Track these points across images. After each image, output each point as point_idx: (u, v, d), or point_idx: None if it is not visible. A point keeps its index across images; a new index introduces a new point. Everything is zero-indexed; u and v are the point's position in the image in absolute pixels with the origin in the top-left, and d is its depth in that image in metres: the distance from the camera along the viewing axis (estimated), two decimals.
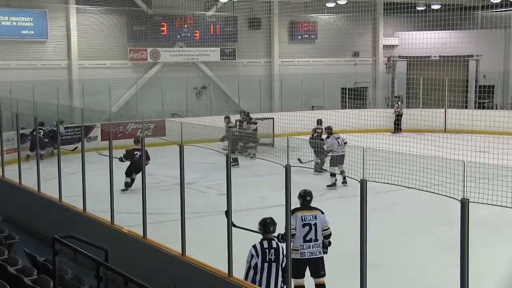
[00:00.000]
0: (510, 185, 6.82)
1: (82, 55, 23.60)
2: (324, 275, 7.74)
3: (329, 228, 7.77)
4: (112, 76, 23.72)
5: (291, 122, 20.37)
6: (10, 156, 15.30)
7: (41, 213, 11.88)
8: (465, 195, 5.10)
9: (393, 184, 6.12)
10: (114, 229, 9.31)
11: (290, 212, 6.48)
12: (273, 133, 21.70)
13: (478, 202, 5.43)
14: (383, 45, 29.88)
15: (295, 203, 7.58)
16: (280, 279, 6.74)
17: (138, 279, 4.87)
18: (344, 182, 14.83)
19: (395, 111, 25.41)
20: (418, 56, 26.75)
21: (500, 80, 27.08)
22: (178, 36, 25.37)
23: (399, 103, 25.52)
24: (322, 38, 28.43)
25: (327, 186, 14.84)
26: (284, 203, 6.49)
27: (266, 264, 6.70)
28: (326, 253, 7.80)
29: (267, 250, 6.73)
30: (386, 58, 29.12)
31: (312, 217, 7.64)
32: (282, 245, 6.80)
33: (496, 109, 26.06)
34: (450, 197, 5.28)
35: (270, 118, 22.76)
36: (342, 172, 14.61)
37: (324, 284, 7.77)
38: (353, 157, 6.87)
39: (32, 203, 12.15)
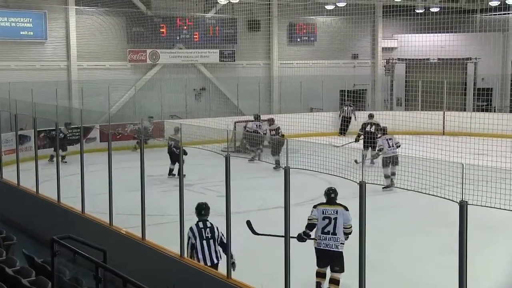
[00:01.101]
0: (508, 187, 6.84)
1: (81, 56, 23.59)
2: (339, 271, 8.03)
3: (351, 226, 7.95)
4: (111, 78, 23.70)
5: (290, 124, 20.37)
6: (8, 157, 15.28)
7: (40, 214, 11.87)
8: (463, 198, 5.11)
9: (393, 187, 6.11)
10: (112, 231, 9.31)
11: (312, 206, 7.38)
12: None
13: (476, 205, 5.44)
14: (382, 48, 29.88)
15: (294, 204, 7.58)
16: (218, 251, 7.68)
17: (137, 281, 4.87)
18: (388, 186, 14.42)
19: (342, 115, 25.29)
20: (417, 59, 26.75)
21: (498, 83, 27.06)
22: (178, 38, 25.37)
23: (349, 107, 25.39)
24: (321, 40, 28.44)
25: (383, 188, 14.26)
26: (283, 205, 6.50)
27: (204, 242, 7.64)
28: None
29: (203, 230, 7.66)
30: (385, 61, 29.13)
31: (334, 211, 8.07)
32: (216, 225, 7.71)
33: (494, 111, 26.03)
34: (449, 199, 5.29)
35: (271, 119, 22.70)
36: (392, 174, 14.64)
37: (337, 280, 8.05)
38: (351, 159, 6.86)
39: (31, 204, 12.14)
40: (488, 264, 9.26)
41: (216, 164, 8.63)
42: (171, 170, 16.57)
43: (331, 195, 8.25)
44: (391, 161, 14.82)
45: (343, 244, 8.03)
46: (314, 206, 8.20)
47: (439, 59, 26.63)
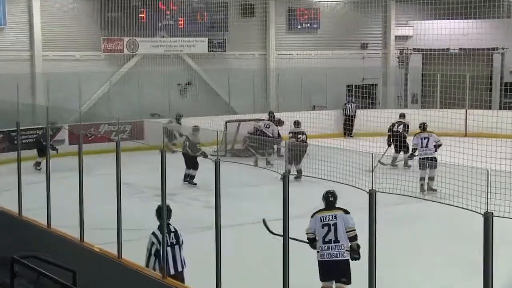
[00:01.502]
0: None
1: (47, 45, 23.54)
2: (346, 282, 8.18)
3: (353, 229, 8.16)
4: (83, 70, 23.66)
5: (289, 124, 20.41)
6: None
7: None
8: (488, 208, 5.11)
9: (407, 196, 6.14)
10: (83, 248, 9.28)
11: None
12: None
13: (503, 217, 5.46)
14: (395, 36, 29.96)
15: (294, 216, 7.59)
16: (183, 258, 8.04)
17: None
18: (425, 189, 14.83)
19: (345, 113, 25.54)
20: (435, 49, 26.83)
21: None
22: (160, 25, 25.36)
23: (352, 104, 25.59)
24: (325, 27, 28.47)
25: (420, 191, 14.74)
26: (282, 217, 6.50)
27: (169, 248, 7.88)
28: (357, 259, 8.08)
29: (167, 235, 7.85)
30: (398, 51, 29.17)
31: (332, 217, 8.25)
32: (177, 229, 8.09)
33: None
34: (472, 210, 5.30)
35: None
36: (429, 179, 14.88)
37: None
38: (362, 165, 6.85)
39: None
40: None
41: (204, 169, 8.63)
42: (186, 176, 16.60)
43: (329, 199, 8.45)
44: (427, 163, 15.03)
45: (349, 251, 8.19)
46: (312, 215, 8.38)
47: (460, 49, 26.69)
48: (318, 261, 8.36)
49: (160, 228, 7.90)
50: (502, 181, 7.75)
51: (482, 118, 21.53)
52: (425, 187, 15.01)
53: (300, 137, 18.11)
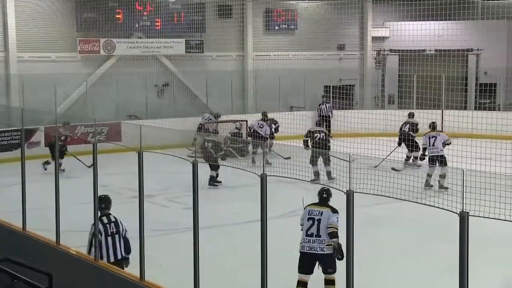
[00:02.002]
0: None
1: (21, 46, 23.33)
2: (332, 272, 8.67)
3: (333, 227, 8.47)
4: (58, 71, 23.46)
5: (285, 125, 20.53)
6: None
7: None
8: (464, 208, 5.15)
9: (384, 196, 6.17)
10: (60, 251, 9.21)
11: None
12: (247, 137, 21.72)
13: (479, 216, 5.50)
14: (372, 37, 30.11)
15: (272, 217, 7.59)
16: (122, 247, 8.54)
17: None
18: (431, 185, 15.35)
19: (320, 114, 25.39)
20: (411, 50, 26.99)
21: (503, 78, 27.45)
22: (136, 25, 25.25)
23: (326, 104, 25.55)
24: (302, 29, 28.56)
25: (425, 186, 15.18)
26: (260, 218, 6.50)
27: (109, 238, 8.39)
28: (341, 259, 8.22)
29: (107, 225, 8.43)
30: (375, 52, 29.35)
31: (318, 212, 8.67)
32: (119, 218, 8.66)
33: (499, 110, 26.42)
34: (448, 210, 5.33)
35: (243, 121, 22.79)
36: (440, 177, 15.31)
37: (332, 280, 8.71)
38: (338, 164, 6.87)
39: None
40: (493, 284, 9.36)
41: (182, 171, 8.61)
42: (213, 177, 16.59)
43: (323, 195, 8.88)
44: (436, 161, 15.80)
45: (330, 245, 8.51)
46: (305, 207, 8.78)
47: (436, 50, 26.91)
48: (299, 252, 8.72)
49: (100, 218, 8.52)
50: (478, 180, 7.80)
51: (457, 119, 21.67)
52: (431, 183, 15.51)
53: (317, 136, 17.58)
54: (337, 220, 8.48)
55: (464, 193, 5.18)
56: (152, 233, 7.95)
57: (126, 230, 8.59)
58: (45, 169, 18.01)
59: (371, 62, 29.69)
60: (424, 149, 16.58)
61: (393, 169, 12.50)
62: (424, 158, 16.76)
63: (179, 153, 8.94)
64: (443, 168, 15.45)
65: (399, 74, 28.57)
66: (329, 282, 8.74)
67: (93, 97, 24.04)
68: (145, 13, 25.34)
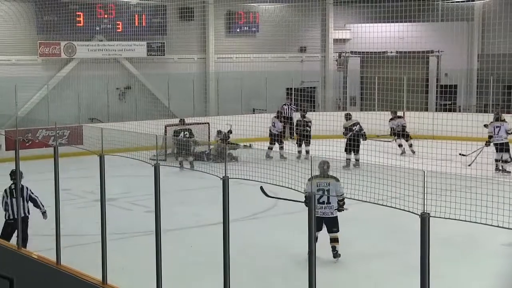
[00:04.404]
0: (474, 197, 7.05)
1: None
2: (336, 231, 10.40)
3: (343, 197, 10.17)
4: (19, 75, 23.20)
5: (229, 128, 20.43)
6: None
7: None
8: (425, 209, 5.21)
9: (346, 198, 6.21)
10: (21, 255, 9.12)
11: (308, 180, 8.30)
12: (209, 140, 21.68)
13: (439, 217, 5.58)
14: (334, 39, 30.31)
15: (234, 220, 7.62)
16: (27, 207, 10.51)
17: None
18: (500, 169, 17.77)
19: (281, 115, 25.25)
20: (372, 52, 27.21)
21: (463, 79, 27.87)
22: (97, 28, 25.08)
23: (288, 106, 25.54)
24: (264, 31, 28.64)
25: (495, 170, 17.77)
26: (222, 220, 6.51)
27: (14, 200, 10.15)
28: (341, 211, 10.43)
29: (14, 190, 10.21)
30: (336, 54, 29.54)
31: (326, 184, 10.37)
32: (27, 185, 10.57)
33: (460, 111, 26.77)
34: (409, 211, 5.40)
35: (205, 123, 22.74)
36: (504, 161, 17.94)
37: (336, 238, 10.43)
38: (301, 167, 6.91)
39: None
40: (454, 284, 9.49)
41: (143, 174, 8.58)
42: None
43: (323, 167, 10.32)
44: (502, 148, 17.89)
45: (337, 210, 10.32)
46: (309, 179, 9.09)
47: (397, 52, 27.17)
48: None
49: (10, 186, 10.50)
50: (439, 182, 7.93)
51: (419, 120, 21.92)
52: (500, 167, 17.75)
53: (355, 128, 19.32)
54: (342, 188, 10.15)
55: (425, 195, 5.24)
56: (114, 237, 7.90)
57: (32, 193, 10.55)
58: None
59: (333, 64, 29.87)
60: (490, 137, 18.23)
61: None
62: (489, 145, 18.29)
63: (141, 156, 8.90)
64: (506, 154, 17.84)
65: (361, 76, 28.82)
66: (335, 240, 10.39)
67: (54, 100, 23.80)
68: (106, 16, 25.18)
